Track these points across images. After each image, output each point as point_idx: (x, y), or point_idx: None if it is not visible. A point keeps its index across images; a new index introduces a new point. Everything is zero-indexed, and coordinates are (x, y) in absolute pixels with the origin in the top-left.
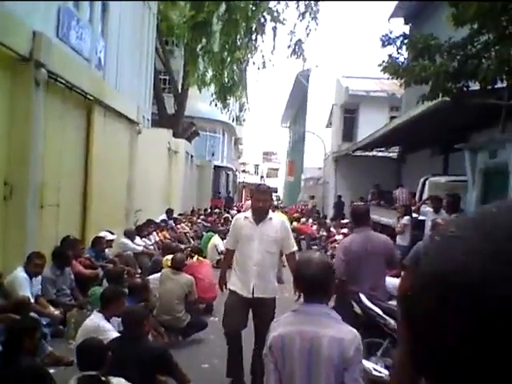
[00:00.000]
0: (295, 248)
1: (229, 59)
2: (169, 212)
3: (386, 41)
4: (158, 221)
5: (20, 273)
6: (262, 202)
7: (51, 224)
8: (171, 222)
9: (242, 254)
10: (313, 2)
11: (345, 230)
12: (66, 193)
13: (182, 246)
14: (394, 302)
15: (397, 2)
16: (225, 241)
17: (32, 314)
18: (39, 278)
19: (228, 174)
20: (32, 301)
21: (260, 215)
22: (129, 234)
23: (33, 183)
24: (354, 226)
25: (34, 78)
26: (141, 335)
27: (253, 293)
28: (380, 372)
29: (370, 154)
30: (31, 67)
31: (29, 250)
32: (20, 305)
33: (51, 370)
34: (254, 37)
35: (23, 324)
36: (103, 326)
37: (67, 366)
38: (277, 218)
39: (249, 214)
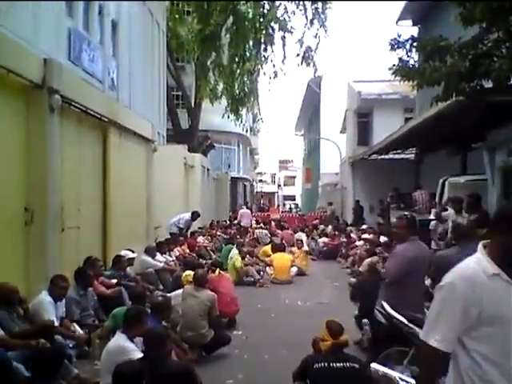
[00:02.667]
0: None
1: (238, 71)
2: (194, 214)
3: (396, 44)
4: (180, 218)
5: (45, 297)
6: None
7: (72, 246)
8: (194, 223)
9: (502, 351)
10: (320, 9)
11: (366, 236)
12: (85, 214)
13: (203, 261)
14: None
15: (404, 4)
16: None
17: (57, 336)
18: (63, 300)
19: (245, 185)
20: (57, 324)
21: None
22: (149, 251)
23: (52, 207)
24: (407, 236)
25: (49, 104)
26: (163, 355)
27: None
28: (406, 382)
29: (387, 156)
30: (44, 94)
31: (51, 273)
32: (45, 329)
33: None
34: (263, 47)
35: (49, 356)
36: (127, 347)
37: None
38: None
39: (484, 262)
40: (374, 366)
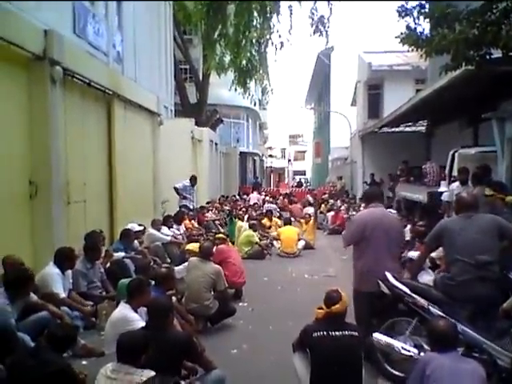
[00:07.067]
0: None
1: (244, 41)
2: (192, 179)
3: (403, 11)
4: (180, 185)
5: (52, 268)
6: None
7: (79, 220)
8: (195, 188)
9: None
10: None
11: None
12: (91, 188)
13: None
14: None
15: None
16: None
17: (64, 308)
18: (70, 272)
19: (255, 160)
20: (64, 295)
21: None
22: (156, 225)
23: (57, 181)
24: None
25: (50, 76)
26: (166, 325)
27: None
28: (409, 351)
29: (397, 129)
30: (46, 65)
31: (57, 246)
32: (49, 298)
33: (83, 362)
34: (269, 16)
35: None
36: (130, 317)
37: (99, 356)
38: None
39: None
40: (377, 335)
